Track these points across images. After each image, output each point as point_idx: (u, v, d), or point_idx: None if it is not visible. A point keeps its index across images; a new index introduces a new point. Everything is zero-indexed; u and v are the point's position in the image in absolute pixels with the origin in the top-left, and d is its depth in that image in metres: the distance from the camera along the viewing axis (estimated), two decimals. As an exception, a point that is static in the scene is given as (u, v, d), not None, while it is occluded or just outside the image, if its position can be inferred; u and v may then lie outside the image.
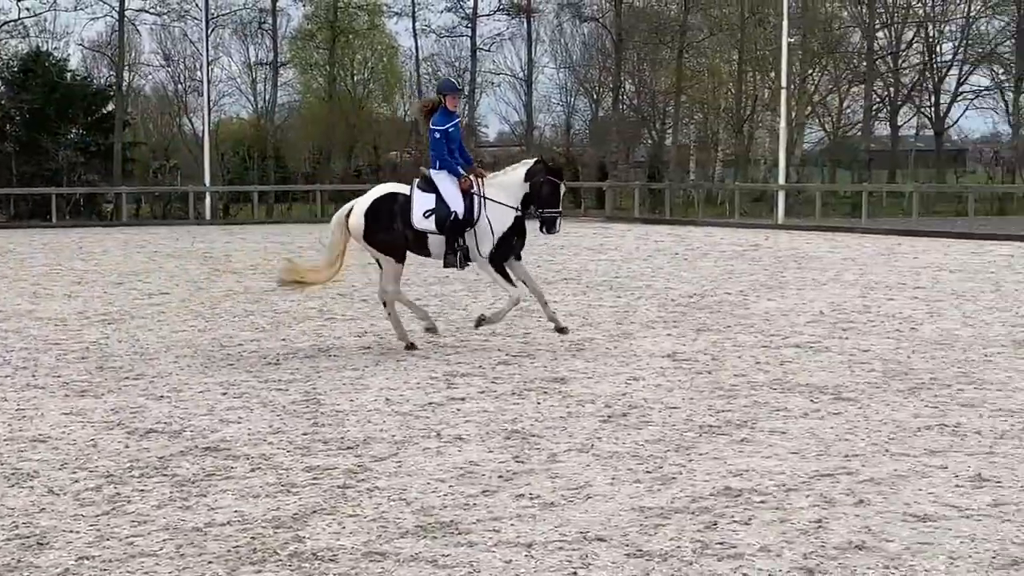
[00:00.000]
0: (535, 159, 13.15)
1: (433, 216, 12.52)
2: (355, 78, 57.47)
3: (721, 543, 6.11)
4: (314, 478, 7.42)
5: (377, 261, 13.02)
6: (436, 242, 12.68)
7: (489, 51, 56.34)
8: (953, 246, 28.93)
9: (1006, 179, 55.71)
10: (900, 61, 57.02)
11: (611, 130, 56.60)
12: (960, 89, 57.11)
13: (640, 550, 6.01)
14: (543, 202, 12.67)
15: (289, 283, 13.34)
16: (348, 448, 8.21)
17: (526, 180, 12.68)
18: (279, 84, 55.20)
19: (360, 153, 56.20)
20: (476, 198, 12.58)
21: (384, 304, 13.01)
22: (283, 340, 13.38)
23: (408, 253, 12.92)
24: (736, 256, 25.67)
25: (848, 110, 58.63)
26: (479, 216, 12.57)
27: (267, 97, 55.13)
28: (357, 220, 12.72)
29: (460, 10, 55.41)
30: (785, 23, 41.62)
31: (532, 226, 13.06)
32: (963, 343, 12.83)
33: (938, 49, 56.77)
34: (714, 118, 56.12)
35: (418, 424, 8.95)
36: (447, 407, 9.58)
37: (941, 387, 10.31)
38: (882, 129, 59.36)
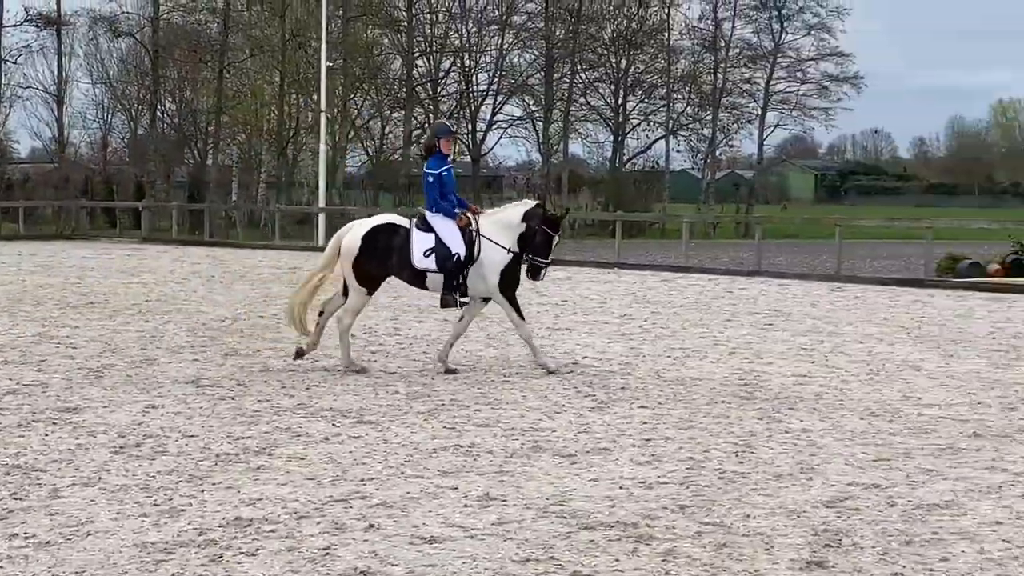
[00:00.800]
0: (535, 202, 13.16)
1: (433, 255, 12.46)
2: None
3: (225, 577, 5.91)
4: None
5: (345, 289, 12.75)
6: (435, 280, 12.61)
7: (16, 63, 53.29)
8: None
9: (537, 205, 58.46)
10: (439, 89, 58.77)
11: (150, 149, 55.03)
12: (495, 118, 59.63)
13: (138, 590, 5.73)
14: (534, 249, 12.73)
15: (299, 319, 12.87)
16: None
17: (523, 221, 12.67)
18: None
19: None
20: (474, 235, 12.57)
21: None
22: None
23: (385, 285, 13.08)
24: (274, 279, 25.48)
25: (390, 135, 59.78)
26: (478, 254, 12.56)
27: None
28: (352, 241, 12.55)
29: (-18, 19, 52.05)
30: (324, 47, 41.89)
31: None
32: (485, 364, 13.24)
33: (474, 79, 58.98)
34: (257, 139, 55.57)
35: (-94, 463, 8.21)
36: (-58, 443, 8.85)
37: (460, 408, 10.56)
38: (422, 154, 60.96)
